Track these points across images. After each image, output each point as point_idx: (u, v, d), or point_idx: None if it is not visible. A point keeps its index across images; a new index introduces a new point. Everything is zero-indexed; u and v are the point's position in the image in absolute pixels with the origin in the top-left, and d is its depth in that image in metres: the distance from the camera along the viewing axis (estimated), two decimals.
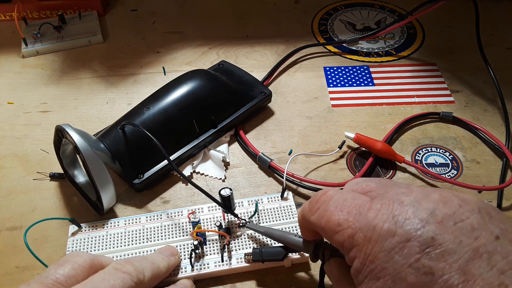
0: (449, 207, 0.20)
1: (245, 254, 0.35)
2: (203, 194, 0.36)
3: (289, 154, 0.44)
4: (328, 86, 0.53)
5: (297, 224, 0.37)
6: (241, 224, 0.36)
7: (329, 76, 0.54)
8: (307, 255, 0.34)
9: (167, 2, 0.67)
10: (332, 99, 0.51)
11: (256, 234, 0.36)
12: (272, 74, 0.54)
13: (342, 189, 0.26)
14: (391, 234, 0.20)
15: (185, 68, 0.55)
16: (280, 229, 0.37)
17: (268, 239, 0.36)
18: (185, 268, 0.34)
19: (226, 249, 0.35)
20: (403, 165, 0.44)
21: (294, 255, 0.34)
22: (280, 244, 0.34)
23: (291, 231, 0.37)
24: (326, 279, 0.29)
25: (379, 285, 0.20)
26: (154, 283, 0.31)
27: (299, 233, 0.33)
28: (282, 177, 0.40)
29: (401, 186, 0.23)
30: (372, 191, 0.24)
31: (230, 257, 0.35)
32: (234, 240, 0.36)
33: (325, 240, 0.28)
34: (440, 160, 0.44)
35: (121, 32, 0.61)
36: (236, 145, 0.46)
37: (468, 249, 0.19)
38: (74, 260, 0.28)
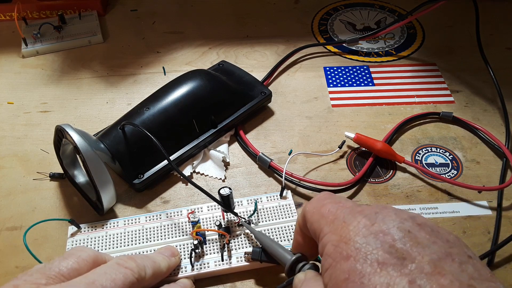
0: (429, 221, 0.21)
1: (245, 253, 0.35)
2: (203, 194, 0.36)
3: (289, 154, 0.44)
4: (328, 86, 0.53)
5: (296, 223, 0.37)
6: (240, 223, 0.36)
7: (329, 76, 0.54)
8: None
9: (167, 2, 0.67)
10: (332, 99, 0.51)
11: None
12: (272, 74, 0.54)
13: None
14: (370, 223, 0.21)
15: (185, 68, 0.55)
16: (280, 227, 0.37)
17: None
18: (185, 267, 0.34)
19: (226, 248, 0.35)
20: (403, 165, 0.44)
21: None
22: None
23: (290, 230, 0.37)
24: None
25: (348, 264, 0.20)
26: (154, 282, 0.31)
27: (290, 246, 0.33)
28: (282, 177, 0.40)
29: None
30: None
31: (230, 256, 0.35)
32: (234, 239, 0.36)
33: (309, 260, 0.28)
34: (440, 160, 0.44)
35: (121, 32, 0.61)
36: (236, 145, 0.46)
37: (442, 250, 0.19)
38: (78, 254, 0.28)
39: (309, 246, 0.28)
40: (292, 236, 0.36)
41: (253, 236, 0.36)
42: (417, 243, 0.19)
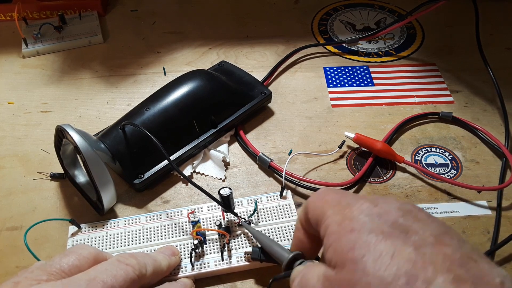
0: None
1: (245, 253, 0.35)
2: (203, 194, 0.36)
3: (289, 154, 0.44)
4: (328, 86, 0.53)
5: (297, 219, 0.37)
6: (239, 223, 0.37)
7: (329, 76, 0.54)
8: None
9: (167, 2, 0.67)
10: (332, 99, 0.51)
11: None
12: (272, 74, 0.54)
13: None
14: (373, 205, 0.22)
15: (185, 68, 0.55)
16: (280, 227, 0.37)
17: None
18: (186, 267, 0.34)
19: (226, 248, 0.35)
20: (402, 165, 0.44)
21: None
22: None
23: (290, 230, 0.37)
24: None
25: (353, 235, 0.21)
26: (155, 280, 0.31)
27: (288, 247, 0.33)
28: (282, 177, 0.40)
29: None
30: None
31: (230, 256, 0.35)
32: (234, 239, 0.36)
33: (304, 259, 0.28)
34: (439, 160, 0.44)
35: (121, 32, 0.61)
36: (236, 145, 0.46)
37: (441, 228, 0.20)
38: (79, 252, 0.28)
39: (309, 243, 0.28)
40: (292, 236, 0.36)
41: (252, 236, 0.36)
42: (418, 220, 0.21)
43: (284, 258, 0.29)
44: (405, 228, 0.20)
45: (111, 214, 0.40)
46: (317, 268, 0.23)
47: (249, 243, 0.36)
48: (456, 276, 0.18)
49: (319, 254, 0.29)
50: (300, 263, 0.27)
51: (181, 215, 0.38)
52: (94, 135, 0.42)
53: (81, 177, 0.41)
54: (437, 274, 0.18)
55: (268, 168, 0.43)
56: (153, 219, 0.38)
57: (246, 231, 0.37)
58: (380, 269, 0.18)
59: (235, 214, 0.36)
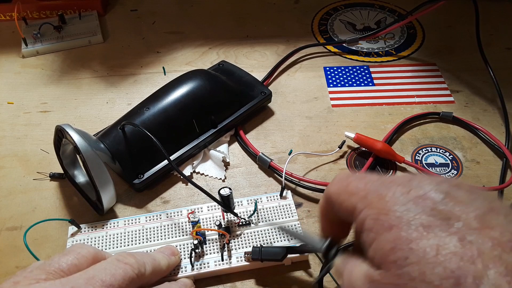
0: (464, 182, 0.21)
1: (245, 253, 0.35)
2: (203, 194, 0.36)
3: (289, 154, 0.44)
4: (328, 86, 0.53)
5: (296, 222, 0.37)
6: (244, 223, 0.36)
7: (329, 76, 0.54)
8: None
9: (167, 2, 0.67)
10: (332, 99, 0.51)
11: (256, 233, 0.36)
12: (272, 74, 0.54)
13: None
14: (405, 191, 0.20)
15: (185, 68, 0.55)
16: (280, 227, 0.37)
17: (269, 238, 0.36)
18: (185, 267, 0.34)
19: (226, 248, 0.35)
20: (403, 165, 0.44)
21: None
22: (280, 245, 0.34)
23: (290, 229, 0.37)
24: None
25: (392, 234, 0.19)
26: (154, 279, 0.31)
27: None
28: (282, 177, 0.40)
29: None
30: None
31: (230, 256, 0.35)
32: (234, 239, 0.36)
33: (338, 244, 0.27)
34: (440, 160, 0.44)
35: (121, 32, 0.61)
36: (236, 145, 0.46)
37: (484, 205, 0.19)
38: (78, 251, 0.28)
39: (336, 229, 0.27)
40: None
41: (257, 234, 0.36)
42: (458, 202, 0.19)
43: (319, 247, 0.27)
44: (446, 214, 0.19)
45: (111, 214, 0.40)
46: (359, 268, 0.22)
47: (250, 242, 0.36)
48: (509, 265, 0.16)
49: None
50: (335, 252, 0.26)
51: (181, 215, 0.38)
52: (93, 135, 0.42)
53: (80, 177, 0.41)
54: (487, 267, 0.17)
55: (268, 168, 0.43)
56: (153, 219, 0.38)
57: (247, 230, 0.36)
58: (425, 271, 0.18)
59: (235, 214, 0.36)
